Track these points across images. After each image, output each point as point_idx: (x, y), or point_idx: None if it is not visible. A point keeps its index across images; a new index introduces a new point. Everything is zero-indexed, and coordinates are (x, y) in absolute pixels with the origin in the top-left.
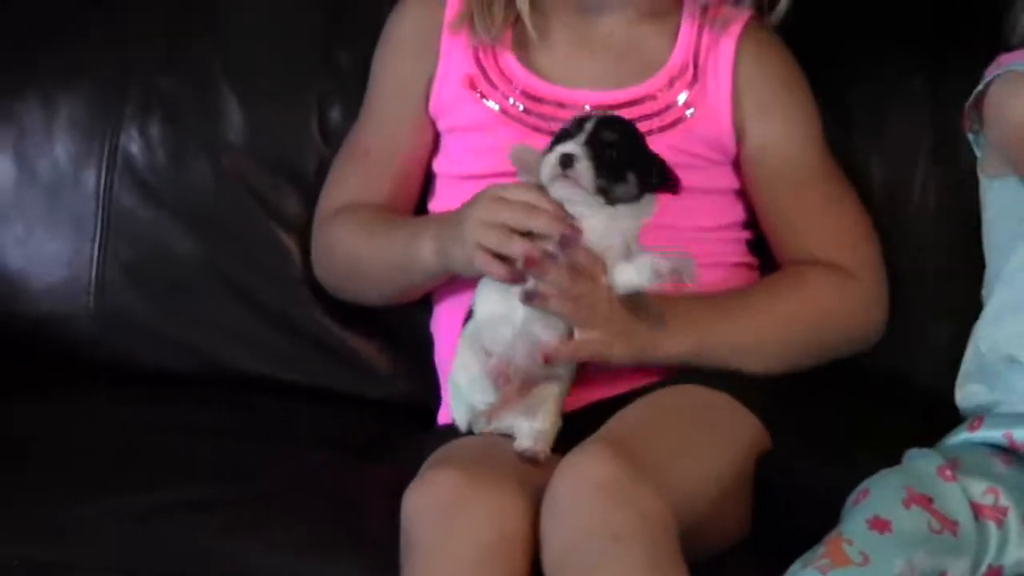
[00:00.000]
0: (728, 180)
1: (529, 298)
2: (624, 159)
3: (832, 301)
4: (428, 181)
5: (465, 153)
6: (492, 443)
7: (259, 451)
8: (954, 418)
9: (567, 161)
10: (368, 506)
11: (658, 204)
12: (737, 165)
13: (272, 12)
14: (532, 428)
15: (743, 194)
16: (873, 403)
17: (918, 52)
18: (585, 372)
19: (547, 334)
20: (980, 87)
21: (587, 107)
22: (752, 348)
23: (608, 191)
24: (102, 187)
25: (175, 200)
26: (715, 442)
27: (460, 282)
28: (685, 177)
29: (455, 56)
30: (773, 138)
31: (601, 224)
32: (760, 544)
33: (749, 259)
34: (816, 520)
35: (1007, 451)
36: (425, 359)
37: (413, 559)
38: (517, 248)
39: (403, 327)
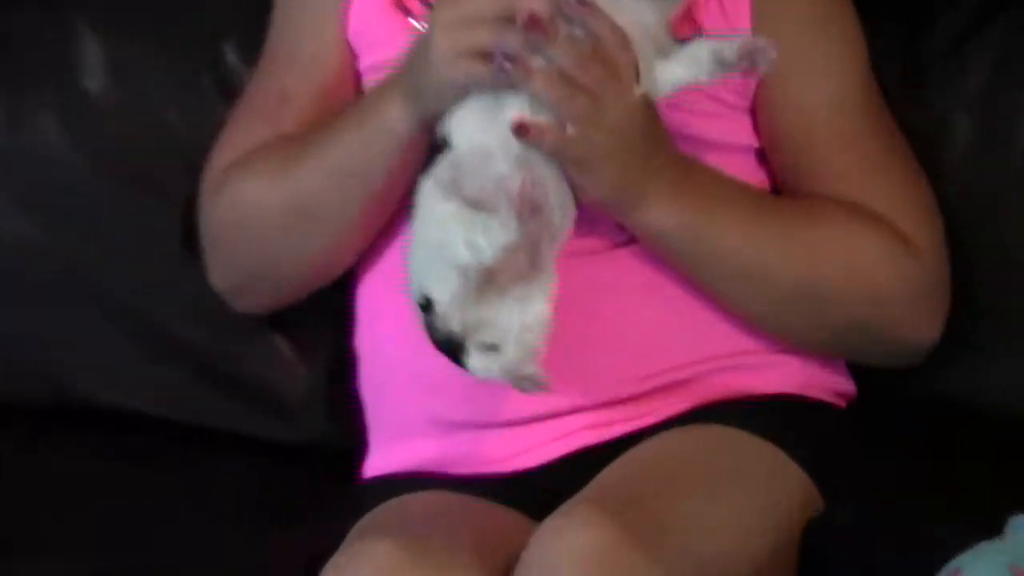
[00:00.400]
0: (747, 135)
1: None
2: None
3: (885, 267)
4: None
5: None
6: (438, 502)
7: (146, 512)
8: None
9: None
10: None
11: None
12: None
13: None
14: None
15: (765, 158)
16: (955, 447)
17: None
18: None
19: (551, 169)
20: None
21: None
22: (749, 270)
23: None
24: None
25: (10, 175)
26: (748, 498)
27: (393, 282)
28: (699, 126)
29: None
30: (801, 62)
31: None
32: None
33: None
34: None
35: None
36: (346, 395)
37: None
38: (505, 32)
39: (320, 351)
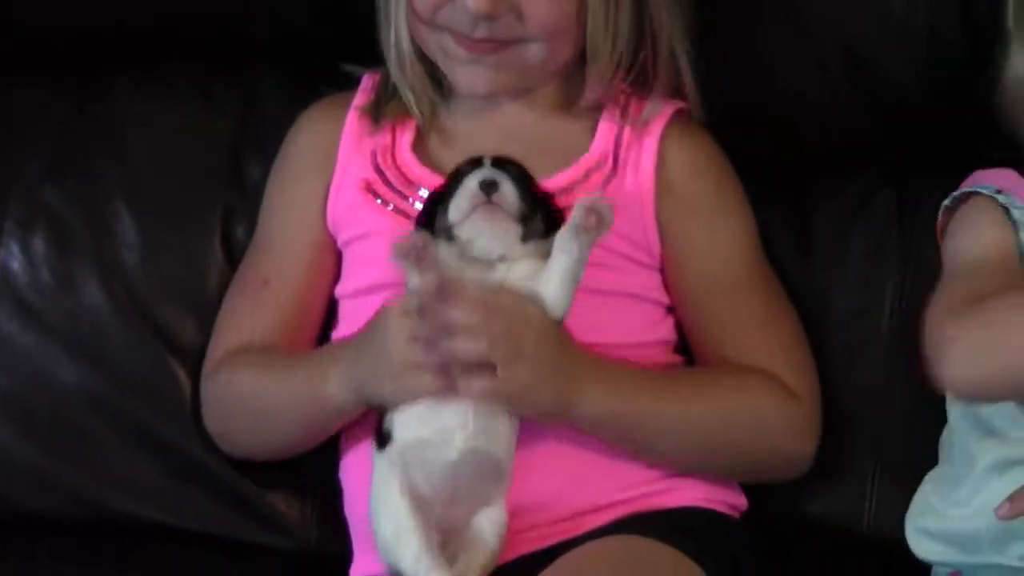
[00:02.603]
0: (655, 289)
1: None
2: (530, 191)
3: (772, 411)
4: (331, 313)
5: (367, 263)
6: None
7: None
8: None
9: (490, 186)
10: None
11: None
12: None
13: (174, 120)
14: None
15: (673, 311)
16: (835, 559)
17: (885, 166)
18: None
19: (496, 447)
20: (948, 201)
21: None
22: (674, 432)
23: (527, 221)
24: None
25: (59, 324)
26: None
27: (368, 427)
28: (604, 278)
29: (352, 164)
30: (700, 239)
31: (523, 259)
32: None
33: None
34: None
35: None
36: (337, 504)
37: None
38: (453, 347)
39: (312, 468)
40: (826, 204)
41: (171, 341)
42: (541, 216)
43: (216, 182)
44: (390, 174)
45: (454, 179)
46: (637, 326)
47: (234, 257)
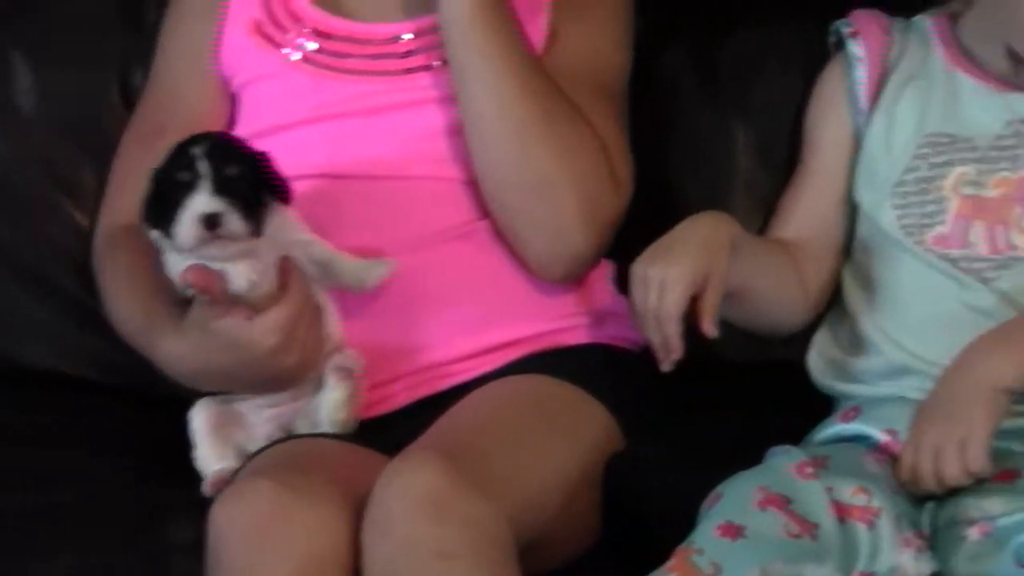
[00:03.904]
0: None
1: None
2: (256, 183)
3: (598, 172)
4: None
5: (261, 105)
6: (316, 448)
7: (50, 460)
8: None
9: (213, 221)
10: (173, 521)
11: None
12: None
13: None
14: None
15: None
16: (751, 398)
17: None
18: (414, 362)
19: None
20: (833, 37)
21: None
22: (508, 88)
23: (258, 226)
24: None
25: None
26: (560, 440)
27: None
28: None
29: (242, 5)
30: (567, 36)
31: (264, 256)
32: (613, 555)
33: None
34: (676, 529)
35: (881, 450)
36: None
37: None
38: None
39: None
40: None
41: (67, 186)
42: (271, 194)
43: (113, 26)
44: (279, 13)
45: (163, 185)
46: None
47: (131, 102)
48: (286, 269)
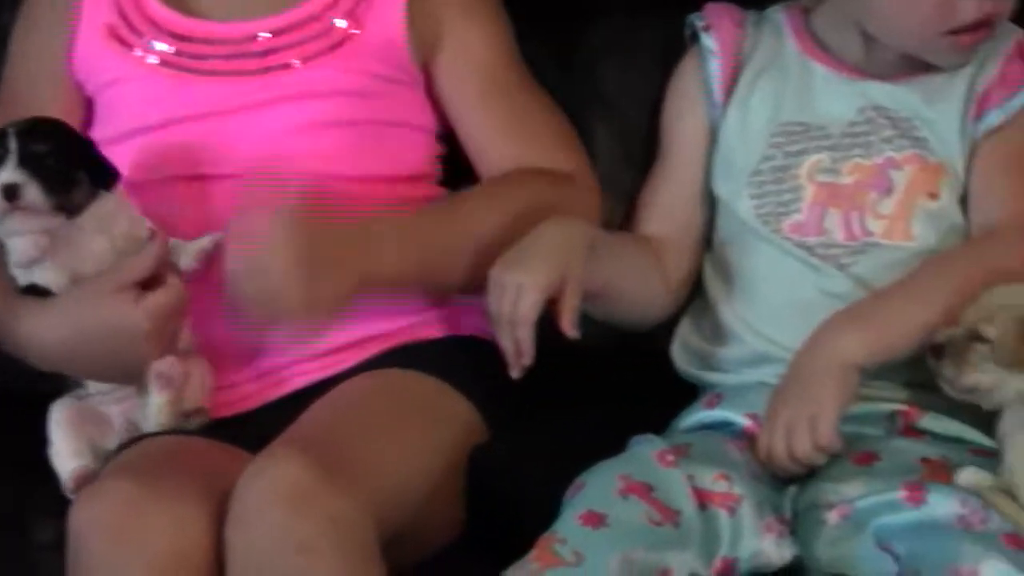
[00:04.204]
0: (417, 112)
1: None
2: (66, 161)
3: (550, 193)
4: None
5: (119, 108)
6: (177, 446)
7: None
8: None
9: (11, 192)
10: (38, 521)
11: (120, 192)
12: (430, 92)
13: None
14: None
15: (439, 137)
16: (615, 388)
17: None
18: (265, 361)
19: None
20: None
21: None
22: (469, 252)
23: (67, 204)
24: None
25: None
26: (422, 432)
27: None
28: (364, 107)
29: (95, 9)
30: (456, 45)
31: (85, 237)
32: (477, 547)
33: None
34: (540, 519)
35: (744, 436)
36: None
37: None
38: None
39: None
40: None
41: None
42: (87, 176)
43: None
44: (133, 17)
45: None
46: (395, 158)
47: None
48: (162, 258)
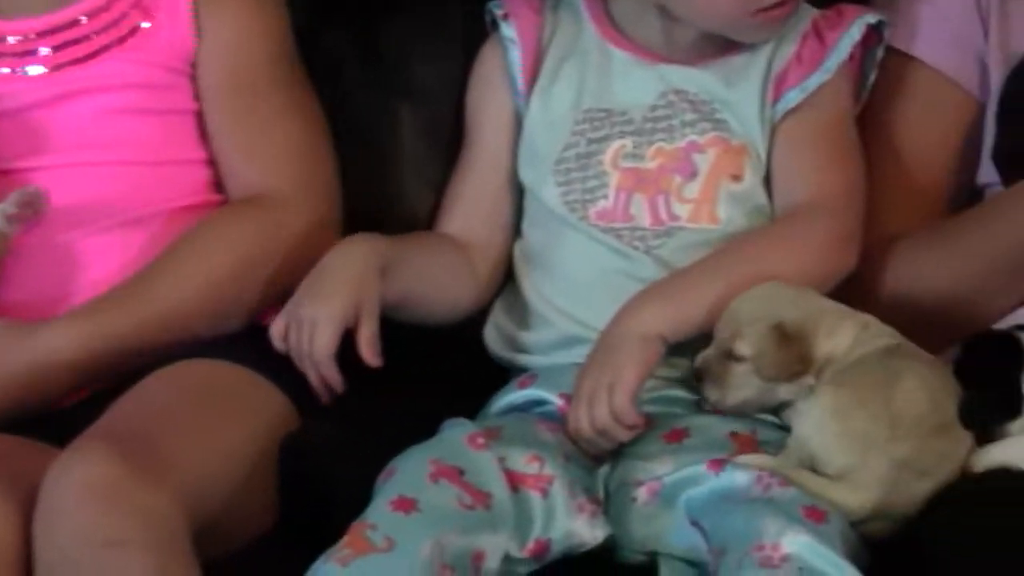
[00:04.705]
0: (188, 100)
1: None
2: None
3: (252, 246)
4: None
5: None
6: None
7: None
8: None
9: None
10: None
11: None
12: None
13: None
14: None
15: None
16: (428, 373)
17: None
18: None
19: None
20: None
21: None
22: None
23: None
24: None
25: None
26: (232, 422)
27: None
28: (162, 98)
29: None
30: (219, 37)
31: None
32: (291, 536)
33: (213, 196)
34: (354, 507)
35: (557, 416)
36: None
37: None
38: None
39: None
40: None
41: None
42: None
43: None
44: None
45: None
46: (160, 143)
47: None
48: None
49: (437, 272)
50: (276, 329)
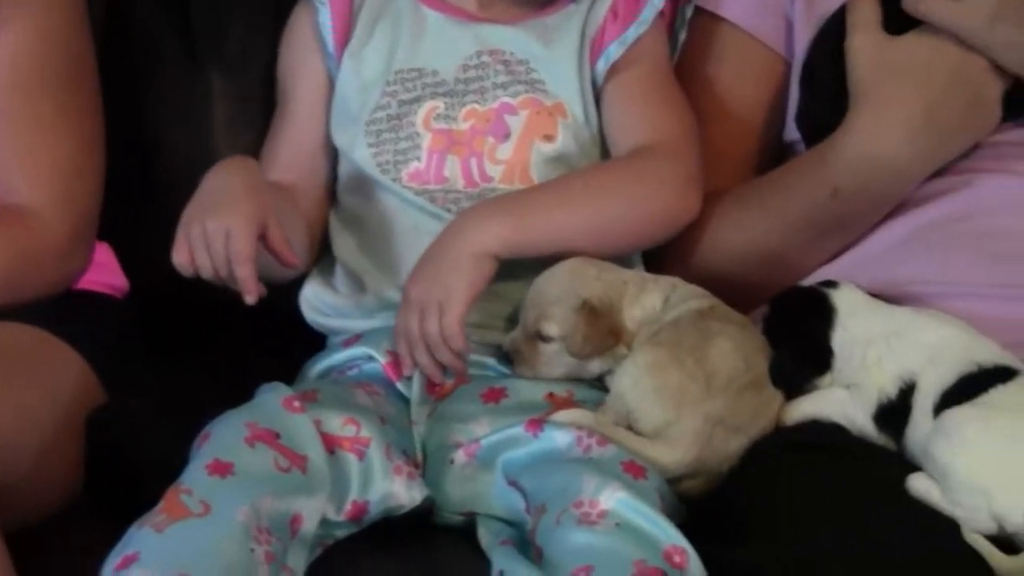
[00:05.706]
0: None
1: None
2: None
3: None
4: None
5: None
6: None
7: None
8: None
9: None
10: None
11: None
12: None
13: None
14: None
15: None
16: (239, 339)
17: None
18: None
19: None
20: None
21: None
22: None
23: None
24: None
25: None
26: (30, 389)
27: None
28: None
29: None
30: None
31: None
32: (98, 507)
33: None
34: (168, 476)
35: (378, 377)
36: None
37: None
38: None
39: None
40: None
41: None
42: None
43: None
44: None
45: None
46: None
47: None
48: None
49: (294, 219)
50: (180, 256)
